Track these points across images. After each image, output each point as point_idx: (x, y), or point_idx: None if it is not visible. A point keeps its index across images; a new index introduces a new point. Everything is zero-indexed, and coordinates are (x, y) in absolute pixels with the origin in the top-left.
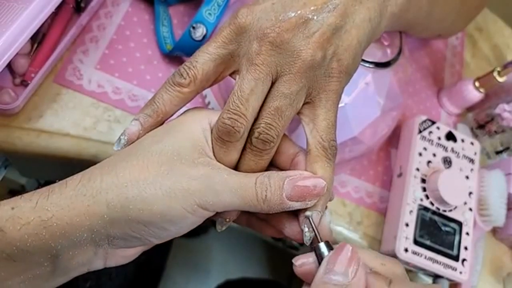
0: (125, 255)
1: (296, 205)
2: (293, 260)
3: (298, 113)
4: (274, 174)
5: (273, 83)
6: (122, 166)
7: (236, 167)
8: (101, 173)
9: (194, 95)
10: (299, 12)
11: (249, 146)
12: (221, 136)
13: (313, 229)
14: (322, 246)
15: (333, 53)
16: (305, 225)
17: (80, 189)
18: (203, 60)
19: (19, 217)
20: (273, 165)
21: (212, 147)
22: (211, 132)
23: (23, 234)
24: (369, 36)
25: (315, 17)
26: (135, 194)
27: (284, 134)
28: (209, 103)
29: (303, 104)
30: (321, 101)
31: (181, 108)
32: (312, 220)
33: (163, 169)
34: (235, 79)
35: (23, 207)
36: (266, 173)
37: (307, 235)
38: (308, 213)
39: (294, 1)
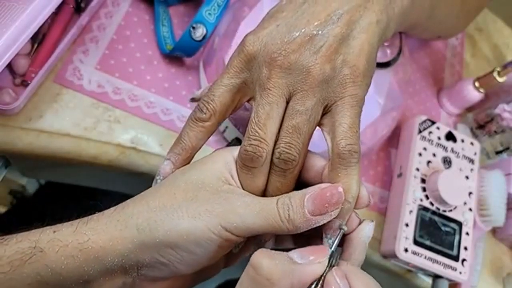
0: None
1: (323, 219)
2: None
3: (319, 124)
4: (295, 193)
5: (287, 103)
6: (152, 195)
7: (264, 193)
8: (134, 202)
9: (217, 127)
10: (303, 30)
11: (272, 167)
12: (245, 163)
13: (334, 241)
14: (329, 250)
15: (343, 61)
16: (324, 232)
17: (115, 216)
18: (219, 93)
19: (59, 240)
20: (304, 183)
21: (238, 177)
22: (236, 163)
23: (60, 256)
24: (379, 38)
25: (320, 32)
26: (163, 217)
27: (309, 150)
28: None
29: (322, 115)
30: (337, 108)
31: (207, 140)
32: (334, 232)
33: (189, 196)
34: (252, 105)
35: (64, 231)
36: (287, 194)
37: (324, 241)
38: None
39: (297, 19)
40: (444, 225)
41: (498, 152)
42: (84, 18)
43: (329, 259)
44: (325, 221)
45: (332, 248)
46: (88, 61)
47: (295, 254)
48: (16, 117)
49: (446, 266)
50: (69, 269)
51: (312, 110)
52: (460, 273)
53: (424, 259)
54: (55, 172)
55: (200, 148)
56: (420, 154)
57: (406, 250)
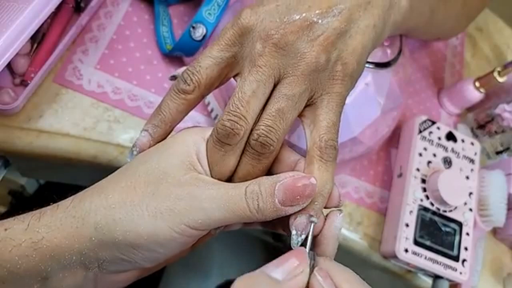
0: (117, 280)
1: (292, 210)
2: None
3: (300, 115)
4: (264, 180)
5: (275, 85)
6: (111, 188)
7: (233, 173)
8: (92, 195)
9: (200, 100)
10: (304, 15)
11: (247, 149)
12: (220, 138)
13: (302, 233)
14: (307, 252)
15: (337, 56)
16: (294, 228)
17: (70, 211)
18: (206, 65)
19: (11, 239)
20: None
21: (207, 154)
22: (206, 144)
23: (13, 256)
24: (373, 42)
25: (319, 21)
26: (122, 216)
27: (284, 143)
28: (209, 103)
29: (305, 107)
30: (323, 102)
31: (187, 113)
32: (301, 223)
33: (149, 190)
34: (237, 81)
35: (15, 229)
36: (256, 180)
37: (294, 238)
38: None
39: (299, 3)
40: (445, 225)
41: (498, 152)
42: (83, 18)
43: (310, 261)
44: (295, 210)
45: (308, 248)
46: (88, 61)
47: (274, 270)
48: (16, 117)
49: (447, 266)
50: (26, 268)
51: (299, 98)
52: (461, 273)
53: (424, 259)
54: (54, 172)
55: (180, 121)
56: (420, 154)
57: (406, 250)
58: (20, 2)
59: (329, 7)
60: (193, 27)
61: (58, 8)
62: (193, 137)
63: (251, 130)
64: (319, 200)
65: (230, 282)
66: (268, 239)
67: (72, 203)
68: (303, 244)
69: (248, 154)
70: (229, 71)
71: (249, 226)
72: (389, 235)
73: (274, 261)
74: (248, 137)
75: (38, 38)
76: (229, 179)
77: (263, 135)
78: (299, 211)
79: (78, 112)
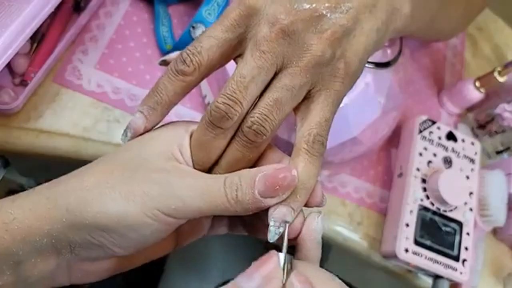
0: (92, 270)
1: (271, 202)
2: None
3: (294, 108)
4: (245, 172)
5: (276, 74)
6: (89, 172)
7: (220, 159)
8: (69, 177)
9: (198, 83)
10: (314, 5)
11: (239, 135)
12: (213, 121)
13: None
14: (281, 255)
15: (341, 54)
16: (272, 218)
17: (45, 193)
18: (208, 45)
19: None
20: None
21: (194, 137)
22: (189, 137)
23: None
24: (374, 46)
25: (328, 14)
26: (94, 197)
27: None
28: (205, 96)
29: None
30: (320, 98)
31: (185, 96)
32: (279, 215)
33: (127, 174)
34: (237, 63)
35: None
36: (236, 172)
37: (272, 230)
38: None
39: None
40: (445, 225)
41: (498, 152)
42: (83, 18)
43: (284, 265)
44: (274, 203)
45: (284, 251)
46: (88, 61)
47: (245, 281)
48: (16, 117)
49: (447, 266)
50: None
51: (299, 90)
52: (461, 273)
53: (424, 259)
54: (54, 172)
55: (177, 103)
56: (420, 154)
57: (406, 250)
58: (20, 2)
59: (337, 3)
60: (193, 27)
61: (58, 8)
62: (177, 130)
63: (245, 116)
64: (302, 193)
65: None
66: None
67: (48, 186)
68: (280, 248)
69: (239, 141)
70: (231, 52)
71: (233, 230)
72: (389, 235)
73: (246, 271)
74: (241, 123)
75: (37, 38)
76: (212, 169)
77: (257, 123)
78: (282, 202)
79: (78, 112)
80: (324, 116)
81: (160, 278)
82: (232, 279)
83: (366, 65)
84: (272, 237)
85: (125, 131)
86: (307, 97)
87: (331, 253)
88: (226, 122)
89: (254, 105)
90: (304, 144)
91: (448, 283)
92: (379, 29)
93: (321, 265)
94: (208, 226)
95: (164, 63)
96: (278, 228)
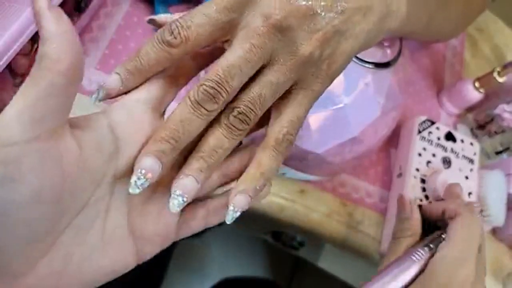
0: None
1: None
2: None
3: None
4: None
5: (262, 67)
6: None
7: (200, 146)
8: None
9: (181, 58)
10: (310, 2)
11: (224, 122)
12: (199, 101)
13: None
14: None
15: (328, 55)
16: (232, 204)
17: None
18: (199, 22)
19: None
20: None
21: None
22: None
23: None
24: (362, 47)
25: (323, 13)
26: None
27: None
28: None
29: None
30: (298, 96)
31: (164, 68)
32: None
33: None
34: (226, 48)
35: None
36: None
37: (230, 213)
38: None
39: None
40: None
41: (498, 153)
42: (84, 18)
43: None
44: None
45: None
46: (88, 61)
47: None
48: None
49: None
50: None
51: (282, 87)
52: None
53: None
54: None
55: (154, 73)
56: (419, 154)
57: None
58: (21, 2)
59: (333, 2)
60: None
61: None
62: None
63: (227, 105)
64: (260, 183)
65: (229, 281)
66: (268, 239)
67: None
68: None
69: (224, 127)
70: (220, 35)
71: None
72: (389, 234)
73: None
74: (222, 112)
75: (38, 39)
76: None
77: (242, 113)
78: (240, 190)
79: (79, 112)
80: (296, 115)
81: (160, 278)
82: (230, 277)
83: (366, 65)
84: (229, 220)
85: (97, 90)
86: (286, 93)
87: (331, 252)
88: (212, 105)
89: (237, 94)
90: (273, 141)
91: None
92: (369, 31)
93: (321, 265)
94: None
95: (153, 22)
96: (236, 212)
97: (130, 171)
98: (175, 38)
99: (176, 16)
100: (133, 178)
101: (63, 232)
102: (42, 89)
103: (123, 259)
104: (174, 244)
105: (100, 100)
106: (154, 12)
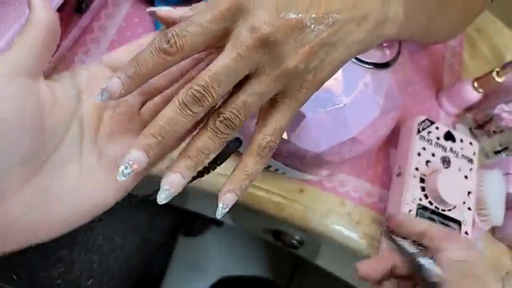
0: None
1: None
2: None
3: None
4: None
5: (249, 75)
6: None
7: (188, 144)
8: None
9: (178, 63)
10: (300, 15)
11: (211, 125)
12: (186, 102)
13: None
14: None
15: (315, 67)
16: (221, 201)
17: None
18: (193, 31)
19: None
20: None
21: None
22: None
23: None
24: (354, 55)
25: (312, 26)
26: None
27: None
28: None
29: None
30: (282, 105)
31: (163, 72)
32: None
33: None
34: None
35: None
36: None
37: (219, 210)
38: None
39: (299, 0)
40: (443, 224)
41: (497, 152)
42: (85, 19)
43: None
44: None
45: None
46: (90, 62)
47: None
48: None
49: None
50: None
51: (266, 96)
52: None
53: None
54: None
55: (154, 77)
56: (419, 154)
57: None
58: (22, 3)
59: (325, 13)
60: None
61: (60, 9)
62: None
63: (213, 110)
64: (246, 183)
65: (228, 280)
66: (268, 238)
67: None
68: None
69: (210, 130)
70: (214, 42)
71: None
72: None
73: None
74: (209, 116)
75: None
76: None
77: (228, 119)
78: (229, 189)
79: None
80: (279, 124)
81: (162, 279)
82: (230, 276)
83: (365, 66)
84: (219, 215)
85: (101, 90)
86: (270, 101)
87: (330, 251)
88: (198, 108)
89: (223, 101)
90: (257, 148)
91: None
92: (362, 40)
93: (320, 264)
94: None
95: (153, 14)
96: (225, 209)
97: (92, 116)
98: (171, 47)
99: (177, 10)
100: (121, 167)
101: (43, 166)
102: (25, 41)
103: (101, 194)
104: (174, 243)
105: (102, 101)
106: None
